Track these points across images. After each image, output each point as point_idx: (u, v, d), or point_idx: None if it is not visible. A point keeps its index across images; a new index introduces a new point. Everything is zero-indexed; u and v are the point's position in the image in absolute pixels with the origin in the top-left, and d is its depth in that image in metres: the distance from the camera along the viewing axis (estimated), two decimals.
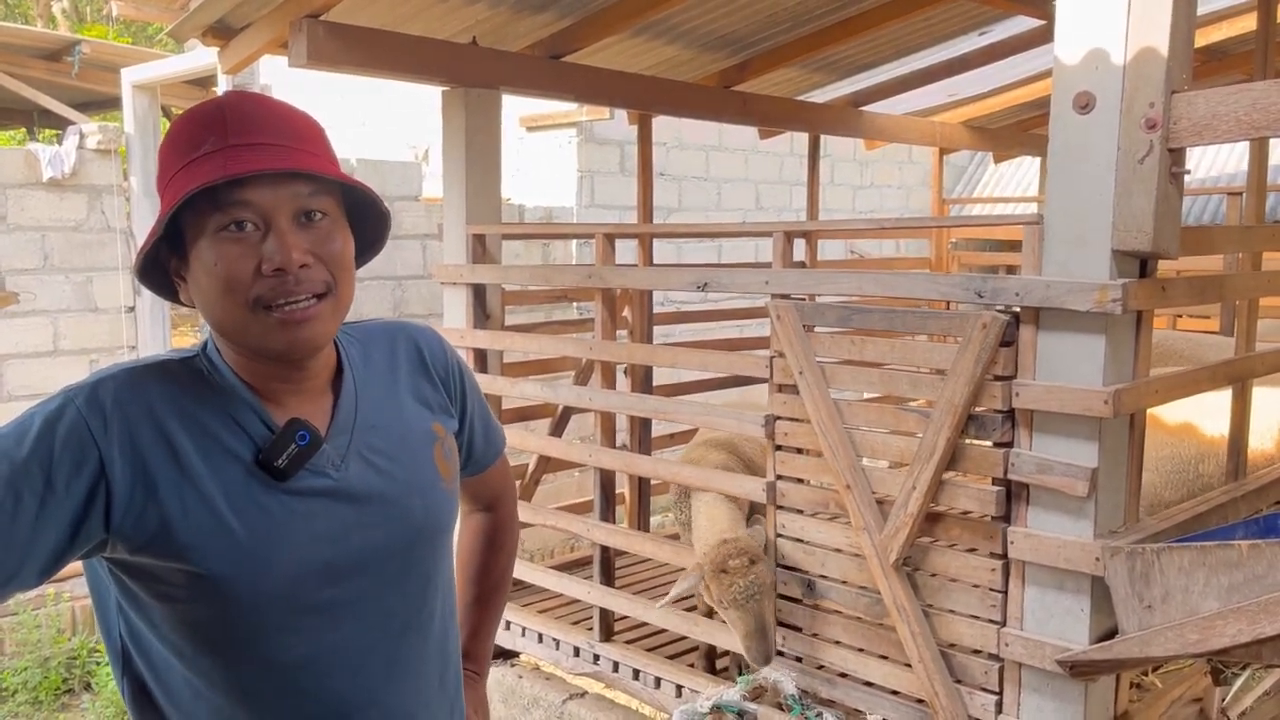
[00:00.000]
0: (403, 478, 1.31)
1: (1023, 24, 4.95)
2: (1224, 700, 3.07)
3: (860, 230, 7.07)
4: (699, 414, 3.34)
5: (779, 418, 3.01)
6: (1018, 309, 2.52)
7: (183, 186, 1.12)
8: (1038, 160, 8.38)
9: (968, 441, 2.63)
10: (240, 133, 1.15)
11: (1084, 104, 2.37)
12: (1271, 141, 3.39)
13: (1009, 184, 10.00)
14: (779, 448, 3.04)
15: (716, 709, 2.99)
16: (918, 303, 3.34)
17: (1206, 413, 3.36)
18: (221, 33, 3.61)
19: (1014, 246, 7.99)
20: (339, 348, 1.32)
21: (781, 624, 3.11)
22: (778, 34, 4.67)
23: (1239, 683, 2.90)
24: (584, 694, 3.87)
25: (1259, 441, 3.31)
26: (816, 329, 2.94)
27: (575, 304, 7.00)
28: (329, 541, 1.22)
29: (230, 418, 1.19)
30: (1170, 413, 3.42)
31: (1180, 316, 6.17)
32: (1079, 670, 2.47)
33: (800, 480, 3.02)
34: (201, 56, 5.70)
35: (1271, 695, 3.16)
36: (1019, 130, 7.13)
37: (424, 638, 1.34)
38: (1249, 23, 4.44)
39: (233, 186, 1.12)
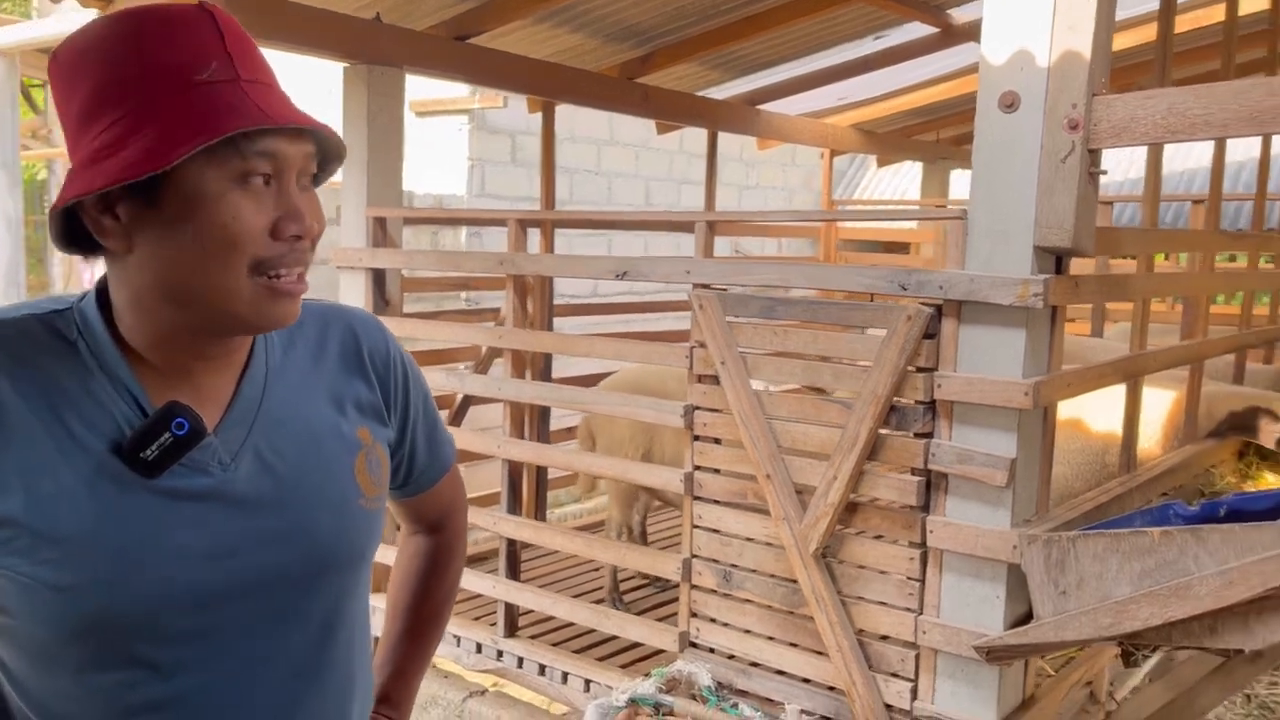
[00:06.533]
0: (308, 486, 1.09)
1: (917, 30, 5.08)
2: (1111, 683, 3.20)
3: (777, 226, 7.09)
4: (616, 404, 3.30)
5: (698, 408, 2.99)
6: (940, 302, 2.57)
7: (187, 112, 0.94)
8: (918, 165, 8.66)
9: (888, 432, 2.67)
10: (248, 67, 0.98)
11: (1009, 103, 2.43)
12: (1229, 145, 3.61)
13: (887, 188, 10.30)
14: (697, 438, 3.02)
15: (632, 702, 2.96)
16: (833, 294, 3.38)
17: (1096, 409, 3.51)
18: None
19: (899, 249, 8.24)
20: None
21: (695, 615, 3.10)
22: (683, 27, 4.68)
23: (1149, 665, 3.03)
24: (484, 691, 3.78)
25: (1144, 440, 3.46)
26: (740, 319, 2.93)
27: (463, 294, 6.85)
28: (205, 557, 1.00)
29: (90, 394, 0.98)
30: (1067, 408, 3.56)
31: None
32: (995, 655, 2.53)
33: (717, 471, 3.01)
34: (65, 21, 5.35)
35: (1154, 679, 3.32)
36: (904, 136, 7.34)
37: (319, 688, 1.11)
38: (1149, 33, 4.56)
39: (258, 133, 0.96)
